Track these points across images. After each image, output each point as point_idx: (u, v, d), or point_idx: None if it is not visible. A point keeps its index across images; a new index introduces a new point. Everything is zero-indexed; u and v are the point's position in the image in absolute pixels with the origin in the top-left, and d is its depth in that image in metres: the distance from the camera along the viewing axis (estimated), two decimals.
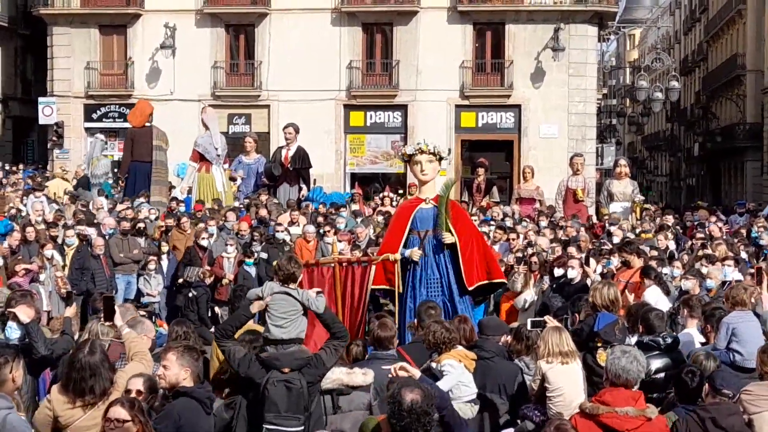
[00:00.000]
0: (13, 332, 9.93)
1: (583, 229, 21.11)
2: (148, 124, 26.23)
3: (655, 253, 17.21)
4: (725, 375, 8.92)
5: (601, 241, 19.67)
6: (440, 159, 13.42)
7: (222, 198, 24.46)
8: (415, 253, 12.98)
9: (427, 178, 13.34)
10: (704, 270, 15.47)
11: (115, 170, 29.23)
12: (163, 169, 26.25)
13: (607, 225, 21.62)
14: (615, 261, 16.34)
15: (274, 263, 10.41)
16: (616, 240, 19.00)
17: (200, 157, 24.61)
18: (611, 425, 7.60)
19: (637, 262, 15.20)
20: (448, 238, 12.98)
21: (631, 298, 13.90)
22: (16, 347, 9.23)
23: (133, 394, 8.18)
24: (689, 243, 20.73)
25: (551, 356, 9.46)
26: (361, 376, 9.81)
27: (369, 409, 9.75)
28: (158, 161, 25.82)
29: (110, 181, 28.96)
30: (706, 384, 8.75)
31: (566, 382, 9.34)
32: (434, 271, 13.13)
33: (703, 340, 11.65)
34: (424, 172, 13.27)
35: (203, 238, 19.76)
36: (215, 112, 26.63)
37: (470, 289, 13.04)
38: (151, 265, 19.57)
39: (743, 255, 18.16)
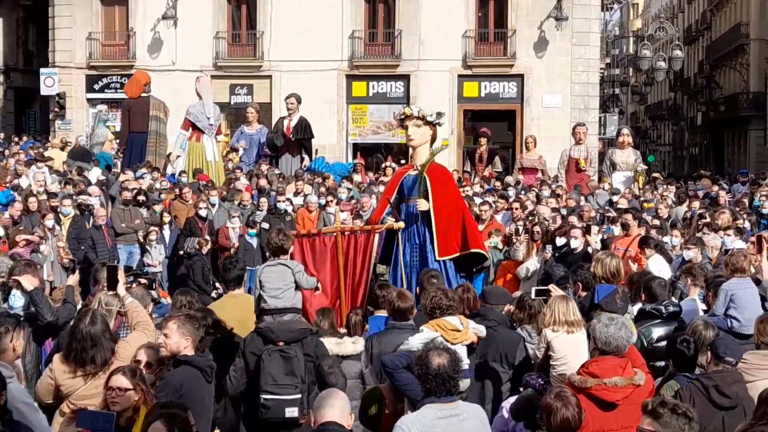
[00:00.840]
0: (17, 300, 9.97)
1: (583, 198, 21.13)
2: (144, 94, 26.20)
3: (657, 222, 17.23)
4: (728, 343, 8.91)
5: (605, 208, 19.69)
6: (430, 123, 13.41)
7: (212, 168, 24.29)
8: (392, 223, 13.00)
9: (413, 144, 13.46)
10: (705, 239, 15.50)
11: (117, 140, 29.13)
12: (162, 140, 26.25)
13: (609, 195, 21.65)
14: (616, 230, 16.35)
15: (267, 236, 10.49)
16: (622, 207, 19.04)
17: (192, 126, 24.43)
18: (601, 397, 7.57)
19: (635, 230, 15.22)
20: (422, 205, 12.97)
21: (634, 267, 13.91)
22: (18, 316, 9.23)
23: (142, 365, 8.22)
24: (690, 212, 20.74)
25: (557, 325, 9.44)
26: (351, 345, 9.88)
27: (360, 378, 9.80)
28: (154, 131, 25.83)
29: (112, 152, 28.87)
30: (708, 352, 8.75)
31: (571, 351, 9.33)
32: (415, 240, 13.16)
33: (705, 308, 11.66)
34: (410, 137, 13.34)
35: (202, 209, 19.75)
36: (209, 81, 26.39)
37: (442, 259, 13.01)
38: (153, 236, 19.57)
39: (746, 224, 18.20)
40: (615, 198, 20.68)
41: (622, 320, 8.05)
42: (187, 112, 24.41)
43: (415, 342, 8.73)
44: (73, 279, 11.45)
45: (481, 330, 9.32)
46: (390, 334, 9.61)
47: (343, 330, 10.65)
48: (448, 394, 7.15)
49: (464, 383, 8.79)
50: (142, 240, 19.84)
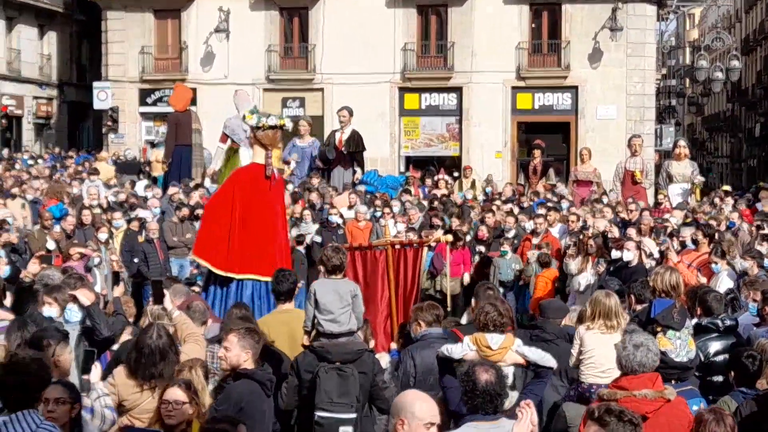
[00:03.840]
0: (74, 315, 9.95)
1: (646, 212, 20.86)
2: (189, 108, 26.52)
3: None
4: None
5: (664, 218, 19.48)
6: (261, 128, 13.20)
7: None
8: (441, 236, 12.97)
9: None
10: (763, 250, 15.24)
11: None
12: (201, 152, 26.57)
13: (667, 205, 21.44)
14: (675, 243, 16.12)
15: (321, 252, 10.36)
16: (675, 221, 18.84)
17: (227, 140, 24.45)
18: (630, 409, 7.33)
19: (705, 247, 15.02)
20: None
21: (702, 280, 13.75)
22: (64, 331, 9.18)
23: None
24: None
25: (594, 320, 9.31)
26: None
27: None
28: (197, 144, 26.10)
29: None
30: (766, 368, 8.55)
31: (599, 346, 9.15)
32: None
33: (757, 320, 11.35)
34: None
35: None
36: (248, 94, 26.52)
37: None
38: None
39: None
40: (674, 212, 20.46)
41: (647, 344, 7.73)
42: (224, 125, 24.49)
43: (455, 351, 8.54)
44: (119, 290, 11.47)
45: (545, 359, 8.84)
46: (430, 347, 9.45)
47: (394, 345, 10.55)
48: (494, 411, 7.00)
49: (510, 401, 8.62)
50: None
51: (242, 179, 13.26)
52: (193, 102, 38.68)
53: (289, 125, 13.66)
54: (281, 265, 12.09)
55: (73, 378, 8.70)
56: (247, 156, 24.45)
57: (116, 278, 13.43)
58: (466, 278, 18.69)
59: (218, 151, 24.57)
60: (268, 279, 11.82)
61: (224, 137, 24.30)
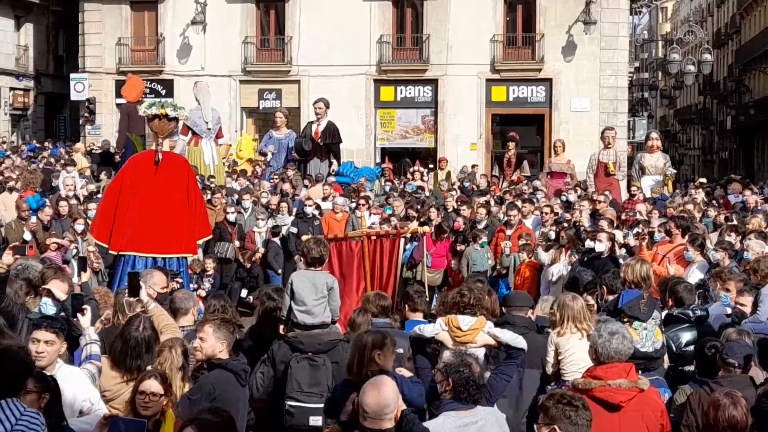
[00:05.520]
0: (49, 308, 9.70)
1: (608, 204, 21.08)
2: (142, 98, 26.67)
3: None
4: (733, 345, 8.78)
5: (636, 211, 19.65)
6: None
7: (211, 171, 24.42)
8: (417, 227, 13.09)
9: None
10: (732, 240, 15.36)
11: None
12: None
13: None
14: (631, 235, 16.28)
15: (303, 244, 10.44)
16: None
17: (190, 131, 24.60)
18: (604, 398, 7.43)
19: (679, 239, 15.16)
20: None
21: (672, 270, 13.91)
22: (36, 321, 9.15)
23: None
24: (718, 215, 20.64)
25: (563, 324, 9.37)
26: None
27: None
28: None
29: None
30: (717, 356, 8.68)
31: (578, 347, 9.26)
32: None
33: (730, 311, 11.47)
34: None
35: (230, 213, 19.81)
36: (208, 86, 26.62)
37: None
38: None
39: None
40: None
41: (622, 332, 7.86)
42: (185, 117, 24.61)
43: (427, 330, 8.69)
44: (85, 276, 11.42)
45: (517, 340, 8.99)
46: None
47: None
48: (474, 402, 7.16)
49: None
50: None
51: (132, 164, 14.01)
52: (170, 94, 38.85)
53: (171, 113, 14.04)
54: (179, 242, 13.08)
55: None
56: (209, 148, 24.73)
57: (83, 264, 13.35)
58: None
59: (179, 142, 24.68)
60: (158, 255, 13.05)
61: (185, 129, 24.41)
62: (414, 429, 6.65)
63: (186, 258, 13.77)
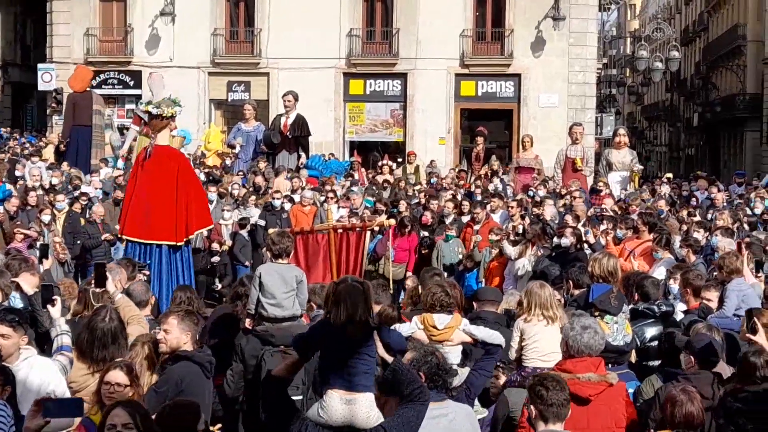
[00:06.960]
0: (18, 303, 9.75)
1: (581, 199, 21.15)
2: (88, 89, 26.78)
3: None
4: (700, 338, 8.86)
5: (602, 208, 19.74)
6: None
7: None
8: (384, 220, 13.14)
9: None
10: (698, 236, 15.47)
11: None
12: (101, 133, 26.98)
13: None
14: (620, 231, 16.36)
15: (268, 237, 10.43)
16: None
17: (141, 122, 24.51)
18: (574, 391, 7.43)
19: (646, 235, 15.22)
20: None
21: (635, 264, 13.99)
22: (21, 313, 9.11)
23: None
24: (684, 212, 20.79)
25: (531, 311, 9.41)
26: None
27: None
28: (97, 125, 26.46)
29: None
30: (685, 351, 8.75)
31: (540, 333, 9.28)
32: None
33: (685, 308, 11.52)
34: None
35: None
36: (161, 77, 26.55)
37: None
38: None
39: (746, 227, 18.28)
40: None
41: (594, 327, 7.95)
42: (136, 108, 24.64)
43: (403, 329, 8.71)
44: (47, 263, 11.38)
45: (493, 336, 8.98)
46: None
47: None
48: (447, 388, 7.27)
49: (459, 378, 8.81)
50: None
51: (137, 159, 14.82)
52: (137, 85, 38.69)
53: (155, 111, 14.28)
54: (165, 230, 13.30)
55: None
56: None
57: (45, 251, 13.30)
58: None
59: (130, 133, 24.57)
60: (152, 242, 13.30)
61: (137, 119, 24.29)
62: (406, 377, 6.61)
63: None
